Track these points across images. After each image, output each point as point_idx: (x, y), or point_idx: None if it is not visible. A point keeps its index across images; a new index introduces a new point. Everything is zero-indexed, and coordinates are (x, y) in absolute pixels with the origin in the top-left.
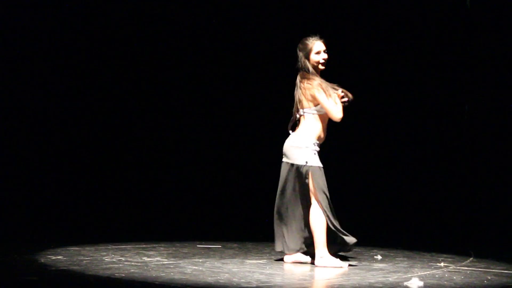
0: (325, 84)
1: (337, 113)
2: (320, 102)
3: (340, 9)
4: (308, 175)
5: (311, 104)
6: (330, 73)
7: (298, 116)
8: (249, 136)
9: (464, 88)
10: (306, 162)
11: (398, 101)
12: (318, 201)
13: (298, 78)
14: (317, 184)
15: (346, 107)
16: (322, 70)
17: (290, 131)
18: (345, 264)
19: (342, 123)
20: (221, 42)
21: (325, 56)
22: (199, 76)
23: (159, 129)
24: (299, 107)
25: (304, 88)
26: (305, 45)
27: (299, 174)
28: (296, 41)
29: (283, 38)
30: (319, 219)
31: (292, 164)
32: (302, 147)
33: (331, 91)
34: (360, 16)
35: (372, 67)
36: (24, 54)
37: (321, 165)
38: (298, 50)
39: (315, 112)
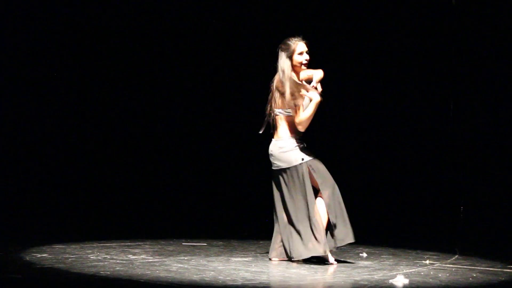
0: (297, 90)
1: (301, 124)
2: (297, 101)
3: (327, 8)
4: (310, 169)
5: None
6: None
7: (272, 115)
8: (233, 135)
9: (449, 86)
10: (303, 159)
11: (383, 99)
12: (326, 189)
13: (276, 79)
14: (321, 174)
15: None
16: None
17: (261, 132)
18: (334, 261)
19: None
20: (221, 42)
21: (307, 57)
22: (193, 75)
23: (145, 129)
24: (273, 107)
25: (290, 92)
26: (288, 46)
27: (298, 174)
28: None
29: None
30: (323, 212)
31: (288, 168)
32: (292, 149)
33: (303, 92)
34: (345, 16)
35: (358, 66)
36: (23, 53)
37: (314, 155)
38: (279, 50)
39: (288, 113)
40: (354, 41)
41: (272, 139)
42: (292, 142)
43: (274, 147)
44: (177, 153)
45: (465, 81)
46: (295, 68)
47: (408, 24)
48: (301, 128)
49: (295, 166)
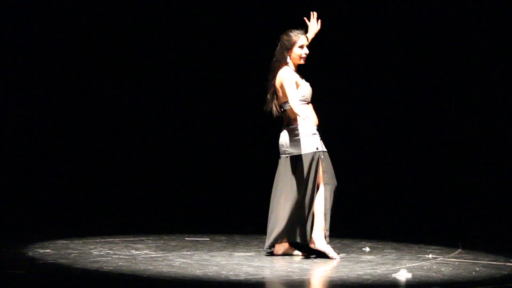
0: (293, 79)
1: (293, 102)
2: (284, 87)
3: (327, 7)
4: (320, 160)
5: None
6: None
7: (283, 109)
8: (235, 130)
9: (450, 80)
10: (317, 148)
11: (384, 93)
12: (328, 184)
13: (273, 69)
14: (329, 168)
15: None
16: (301, 65)
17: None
18: (338, 256)
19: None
20: (220, 41)
21: (307, 51)
22: (193, 73)
23: (146, 125)
24: (280, 101)
25: (279, 84)
26: (290, 37)
27: (308, 162)
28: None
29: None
30: (325, 203)
31: (297, 156)
32: (307, 135)
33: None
34: (345, 13)
35: (358, 61)
36: (23, 53)
37: (325, 149)
38: (280, 41)
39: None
40: (355, 41)
41: (284, 128)
42: (309, 130)
43: (288, 133)
44: (180, 148)
45: (468, 80)
46: (293, 61)
47: (409, 24)
48: (294, 103)
49: (308, 154)
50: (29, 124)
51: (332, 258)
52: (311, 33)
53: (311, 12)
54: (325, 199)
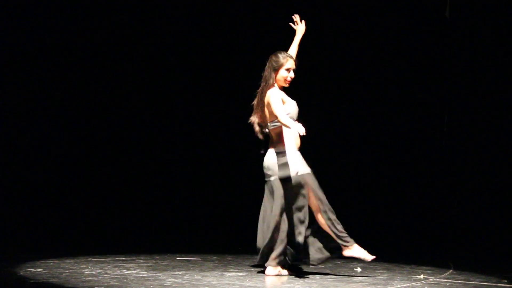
0: (279, 97)
1: (282, 117)
2: (272, 109)
3: (320, 19)
4: (302, 183)
5: (274, 117)
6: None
7: (266, 131)
8: (227, 147)
9: (443, 99)
10: (297, 173)
11: (376, 112)
12: (319, 200)
13: (261, 88)
14: (315, 187)
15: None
16: (285, 87)
17: (262, 152)
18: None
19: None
20: (220, 44)
21: (293, 75)
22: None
23: (138, 142)
24: (265, 121)
25: (266, 103)
26: (278, 59)
27: (291, 185)
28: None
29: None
30: (324, 216)
31: (280, 179)
32: (287, 160)
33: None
34: (340, 25)
35: (351, 77)
36: (23, 53)
37: (309, 170)
38: (268, 61)
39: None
40: (351, 47)
41: (267, 151)
42: (288, 153)
43: (270, 157)
44: (171, 168)
45: (458, 92)
46: (278, 82)
47: (403, 36)
48: (287, 123)
49: (288, 178)
50: (20, 144)
51: (365, 259)
52: (299, 35)
53: (293, 16)
54: (324, 212)
